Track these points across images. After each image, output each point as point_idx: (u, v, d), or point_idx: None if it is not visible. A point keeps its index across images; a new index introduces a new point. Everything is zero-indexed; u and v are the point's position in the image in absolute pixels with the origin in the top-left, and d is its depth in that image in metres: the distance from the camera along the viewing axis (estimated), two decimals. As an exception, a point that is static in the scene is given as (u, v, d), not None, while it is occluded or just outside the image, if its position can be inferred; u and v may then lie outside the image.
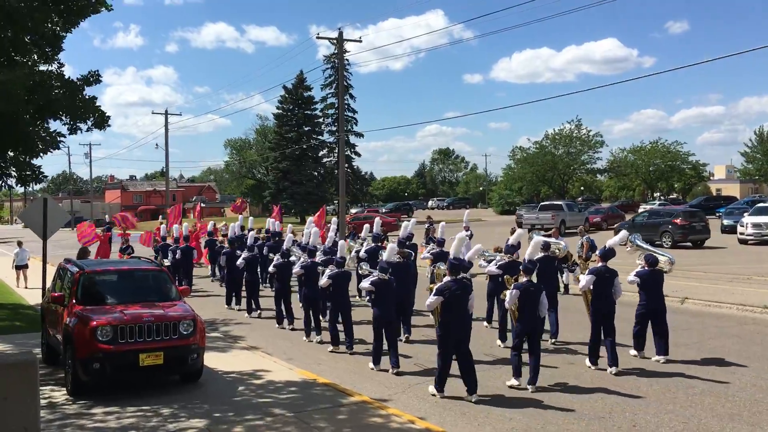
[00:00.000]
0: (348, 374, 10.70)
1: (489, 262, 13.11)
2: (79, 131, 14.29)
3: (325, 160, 71.89)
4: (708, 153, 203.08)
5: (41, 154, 14.45)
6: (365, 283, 11.44)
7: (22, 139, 13.26)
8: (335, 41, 39.17)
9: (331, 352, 12.27)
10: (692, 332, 13.14)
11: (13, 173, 14.59)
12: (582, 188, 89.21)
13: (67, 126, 14.19)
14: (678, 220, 28.84)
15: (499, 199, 76.84)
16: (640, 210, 45.67)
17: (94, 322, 9.30)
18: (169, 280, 11.09)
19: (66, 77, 13.80)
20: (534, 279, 10.51)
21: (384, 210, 64.72)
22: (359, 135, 68.81)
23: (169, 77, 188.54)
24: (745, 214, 32.28)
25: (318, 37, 39.76)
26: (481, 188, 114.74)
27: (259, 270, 17.81)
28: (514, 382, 9.83)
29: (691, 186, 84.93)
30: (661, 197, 79.24)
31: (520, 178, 77.48)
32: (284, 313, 14.77)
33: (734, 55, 61.33)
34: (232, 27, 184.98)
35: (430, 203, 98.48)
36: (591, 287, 10.94)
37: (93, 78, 13.78)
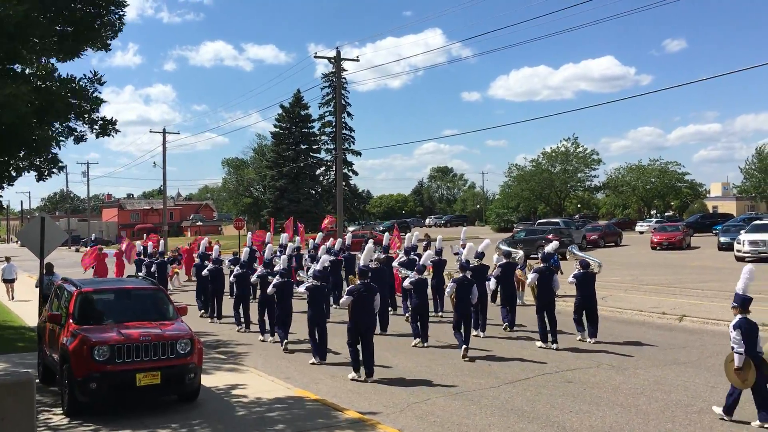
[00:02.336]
0: (346, 393, 10.66)
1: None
2: (84, 138, 13.92)
3: (322, 178, 72.18)
4: (704, 170, 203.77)
5: (50, 155, 14.13)
6: (300, 288, 13.41)
7: (28, 144, 13.11)
8: (333, 60, 39.44)
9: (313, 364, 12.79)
10: (691, 350, 13.13)
11: (35, 163, 14.14)
12: (579, 206, 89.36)
13: (73, 135, 13.90)
14: (550, 236, 32.46)
15: (495, 216, 76.94)
16: (515, 229, 49.76)
17: (91, 342, 9.26)
18: (167, 299, 11.06)
19: (66, 75, 13.54)
20: (468, 275, 13.42)
21: (381, 228, 64.71)
22: (357, 153, 69.16)
23: (168, 96, 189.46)
24: (742, 232, 32.37)
25: (316, 56, 40.05)
26: (478, 206, 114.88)
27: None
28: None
29: (688, 203, 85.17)
30: (658, 215, 79.39)
31: (516, 195, 77.64)
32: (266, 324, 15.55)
33: (731, 74, 62.12)
34: (230, 45, 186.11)
35: (427, 221, 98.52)
36: (536, 282, 14.38)
37: (95, 80, 13.57)
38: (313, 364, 12.68)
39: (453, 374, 11.65)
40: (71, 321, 10.03)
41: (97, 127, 13.62)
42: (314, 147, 71.74)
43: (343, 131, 65.23)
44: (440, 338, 14.68)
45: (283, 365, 12.87)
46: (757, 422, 8.53)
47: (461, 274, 13.35)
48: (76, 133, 13.85)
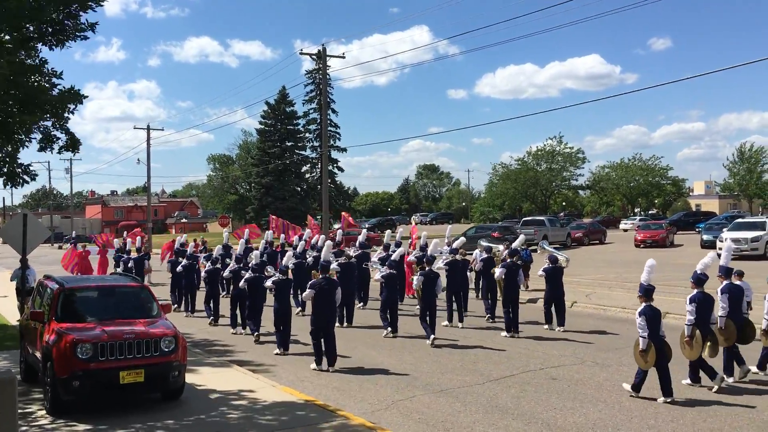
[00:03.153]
0: (331, 391, 10.65)
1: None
2: (50, 149, 13.66)
3: (307, 175, 71.90)
4: (688, 168, 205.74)
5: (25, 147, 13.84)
6: (268, 282, 13.93)
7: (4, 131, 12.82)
8: (318, 57, 39.36)
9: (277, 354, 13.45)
10: (674, 347, 13.18)
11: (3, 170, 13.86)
12: (564, 204, 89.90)
13: (39, 143, 13.65)
14: (494, 233, 35.18)
15: (480, 214, 77.22)
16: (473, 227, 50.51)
17: (74, 340, 9.19)
18: (151, 296, 10.99)
19: (48, 68, 13.24)
20: (434, 269, 14.52)
21: (367, 225, 64.69)
22: (342, 150, 68.96)
23: (152, 92, 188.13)
24: (724, 230, 32.72)
25: (301, 53, 39.92)
26: (463, 203, 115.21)
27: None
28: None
29: (671, 201, 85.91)
30: (642, 213, 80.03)
31: (502, 193, 77.95)
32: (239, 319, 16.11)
33: (714, 73, 62.76)
34: (216, 41, 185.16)
35: (413, 218, 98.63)
36: (503, 276, 15.10)
37: (71, 96, 13.33)
38: (277, 354, 13.38)
39: (438, 372, 11.68)
40: (54, 319, 9.95)
41: (62, 142, 13.37)
42: (300, 144, 71.48)
43: (329, 128, 65.01)
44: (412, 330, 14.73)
45: (268, 363, 12.83)
46: (662, 398, 9.56)
47: (427, 268, 14.36)
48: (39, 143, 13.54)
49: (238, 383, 11.02)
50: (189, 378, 10.78)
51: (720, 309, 10.43)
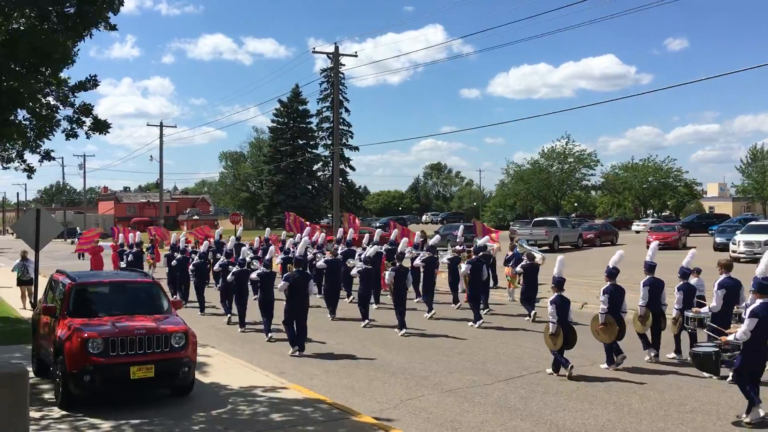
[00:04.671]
0: (340, 389, 10.67)
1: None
2: (75, 135, 13.77)
3: (319, 173, 72.09)
4: (702, 171, 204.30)
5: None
6: (253, 275, 15.06)
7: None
8: (331, 55, 39.43)
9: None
10: (684, 350, 13.12)
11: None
12: (575, 204, 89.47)
13: (64, 131, 13.77)
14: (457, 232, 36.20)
15: (492, 214, 77.01)
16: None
17: (85, 335, 9.26)
18: (162, 292, 11.05)
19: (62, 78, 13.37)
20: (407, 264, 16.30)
21: (377, 224, 64.75)
22: (354, 149, 69.12)
23: (166, 88, 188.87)
24: (738, 232, 32.48)
25: (314, 51, 39.95)
26: (474, 203, 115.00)
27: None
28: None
29: (684, 203, 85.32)
30: (654, 214, 79.53)
31: (514, 194, 77.70)
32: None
33: (730, 74, 62.06)
34: (230, 39, 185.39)
35: (423, 218, 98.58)
36: (468, 272, 16.56)
37: (90, 84, 13.46)
38: (269, 341, 14.49)
39: (447, 371, 11.67)
40: (66, 314, 10.02)
41: (88, 125, 13.51)
42: (312, 142, 71.65)
43: (341, 127, 65.17)
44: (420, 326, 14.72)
45: (276, 360, 12.88)
46: (603, 365, 11.60)
47: (398, 264, 15.61)
48: (67, 130, 13.68)
49: (248, 380, 11.06)
50: (198, 374, 10.84)
51: (640, 299, 12.09)
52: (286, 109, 70.35)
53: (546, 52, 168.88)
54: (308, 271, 14.91)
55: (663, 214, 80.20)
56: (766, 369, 9.12)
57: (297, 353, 13.11)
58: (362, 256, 17.74)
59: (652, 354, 12.15)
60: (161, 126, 58.42)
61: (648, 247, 14.69)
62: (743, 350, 8.66)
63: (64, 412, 9.27)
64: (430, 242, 19.39)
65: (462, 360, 12.57)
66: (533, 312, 16.56)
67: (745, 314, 8.76)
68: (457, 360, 12.57)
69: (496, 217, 74.02)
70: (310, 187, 70.97)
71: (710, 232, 46.78)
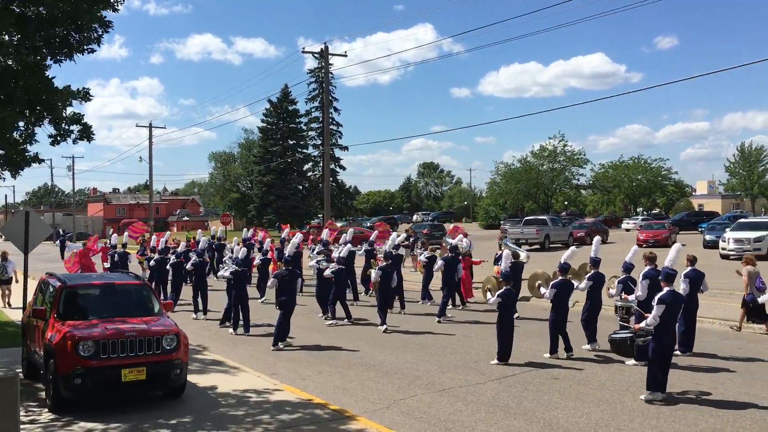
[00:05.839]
0: (333, 390, 10.64)
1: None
2: (62, 141, 13.65)
3: (309, 173, 71.94)
4: (691, 168, 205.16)
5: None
6: (225, 273, 15.90)
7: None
8: (320, 55, 39.39)
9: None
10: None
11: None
12: (566, 203, 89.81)
13: (51, 137, 13.68)
14: (425, 231, 38.71)
15: (484, 213, 77.17)
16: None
17: (76, 337, 9.19)
18: (152, 294, 10.99)
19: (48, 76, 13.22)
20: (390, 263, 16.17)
21: (368, 225, 64.74)
22: (344, 148, 69.02)
23: (154, 89, 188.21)
24: (727, 230, 32.67)
25: (304, 51, 39.84)
26: (465, 202, 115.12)
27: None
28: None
29: (674, 201, 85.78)
30: (644, 212, 79.92)
31: (505, 193, 77.91)
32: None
33: (719, 72, 62.28)
34: (219, 38, 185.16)
35: (414, 217, 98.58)
36: (443, 269, 17.18)
37: (81, 95, 13.34)
38: (233, 334, 15.47)
39: (439, 371, 11.67)
40: (56, 316, 9.95)
41: (75, 134, 13.39)
42: (302, 142, 71.51)
43: (331, 126, 65.05)
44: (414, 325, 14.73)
45: (269, 361, 12.84)
46: (587, 345, 12.70)
47: (385, 263, 15.89)
48: (53, 137, 13.54)
49: (240, 381, 11.02)
50: (190, 376, 10.79)
51: (579, 285, 13.23)
52: (275, 109, 70.17)
53: (536, 50, 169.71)
54: (297, 270, 15.41)
55: (653, 212, 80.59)
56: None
57: (280, 347, 13.79)
58: (336, 256, 17.87)
59: (595, 346, 12.88)
60: (150, 127, 58.16)
61: (638, 245, 14.86)
62: (654, 335, 9.57)
63: (54, 416, 9.20)
64: (397, 241, 19.64)
65: (454, 359, 12.57)
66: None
67: (654, 302, 9.62)
68: (450, 359, 12.57)
69: (489, 216, 74.13)
70: (301, 187, 70.79)
71: (700, 229, 47.07)
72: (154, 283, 21.68)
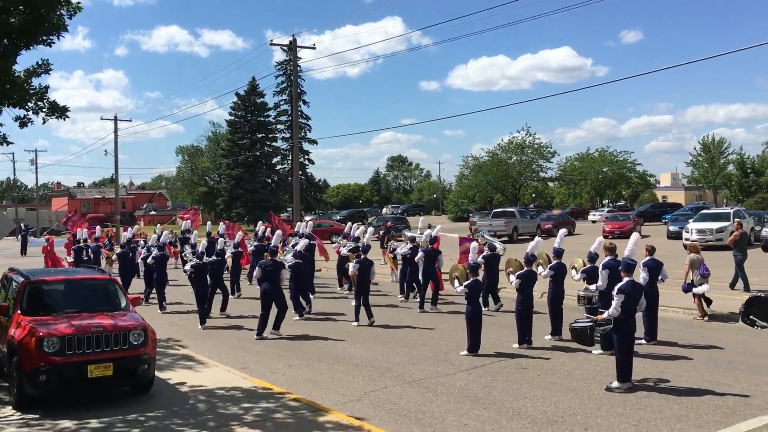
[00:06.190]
0: (303, 383, 10.62)
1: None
2: (30, 123, 13.12)
3: (278, 167, 71.44)
4: (656, 161, 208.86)
5: None
6: (187, 266, 16.40)
7: None
8: (289, 48, 39.09)
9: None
10: (638, 335, 13.41)
11: None
12: (534, 195, 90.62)
13: (17, 120, 13.12)
14: (389, 223, 37.76)
15: (453, 206, 77.49)
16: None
17: (40, 333, 9.03)
18: (119, 289, 10.84)
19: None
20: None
21: (338, 218, 64.62)
22: (313, 142, 68.76)
23: (119, 81, 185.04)
24: (690, 221, 33.33)
25: (271, 44, 39.53)
26: (434, 195, 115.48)
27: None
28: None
29: (639, 193, 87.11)
30: (610, 204, 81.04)
31: (474, 185, 78.29)
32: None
33: (683, 65, 63.26)
34: (185, 30, 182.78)
35: (384, 210, 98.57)
36: (423, 260, 17.44)
37: (42, 69, 12.89)
38: (201, 329, 15.47)
39: (409, 362, 11.72)
40: (19, 312, 9.76)
41: (44, 112, 12.94)
42: (270, 136, 70.95)
43: (299, 120, 64.68)
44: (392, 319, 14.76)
45: (239, 355, 12.77)
46: (549, 336, 13.10)
47: (363, 256, 15.70)
48: (20, 118, 13.13)
49: (209, 376, 10.95)
50: (158, 371, 10.69)
51: (542, 273, 13.71)
52: (243, 102, 69.48)
53: (504, 44, 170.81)
54: (280, 261, 15.55)
55: (618, 203, 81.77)
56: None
57: (261, 336, 14.06)
58: (294, 249, 17.83)
59: (555, 337, 13.19)
60: (116, 120, 57.24)
61: (604, 236, 15.09)
62: (615, 325, 9.76)
63: (19, 414, 9.03)
64: (357, 233, 20.06)
65: (424, 351, 12.63)
66: (499, 304, 16.79)
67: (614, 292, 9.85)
68: (420, 351, 12.63)
69: (459, 209, 74.46)
70: (270, 180, 70.26)
71: (663, 220, 47.88)
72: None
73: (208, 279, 16.37)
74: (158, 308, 18.39)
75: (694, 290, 14.54)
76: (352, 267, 15.93)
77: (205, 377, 10.86)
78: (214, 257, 17.61)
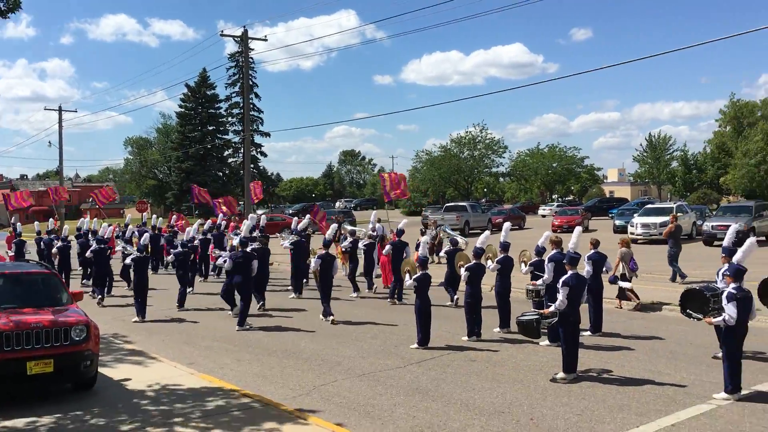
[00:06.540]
0: (252, 377, 10.52)
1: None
2: None
3: (230, 160, 70.57)
4: (604, 157, 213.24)
5: None
6: (127, 260, 16.61)
7: None
8: (240, 39, 38.58)
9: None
10: (583, 326, 13.69)
11: None
12: (485, 190, 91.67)
13: None
14: (334, 217, 39.33)
15: (407, 200, 77.80)
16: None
17: (-24, 330, 8.71)
18: (60, 283, 10.54)
19: None
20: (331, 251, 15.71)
21: (290, 211, 64.19)
22: (265, 135, 68.15)
23: (65, 71, 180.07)
24: (635, 215, 34.19)
25: (222, 35, 38.95)
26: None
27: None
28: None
29: (587, 188, 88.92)
30: (559, 199, 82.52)
31: (427, 180, 78.77)
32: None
33: (629, 63, 64.82)
34: (134, 19, 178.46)
35: (337, 204, 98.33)
36: (390, 253, 17.66)
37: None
38: (135, 322, 15.37)
39: (359, 356, 11.72)
40: (-46, 308, 9.40)
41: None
42: (222, 128, 70.03)
43: (251, 112, 64.00)
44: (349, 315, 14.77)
45: (186, 350, 12.57)
46: (498, 329, 13.30)
47: (324, 251, 15.41)
48: None
49: (156, 372, 10.74)
50: (103, 368, 10.45)
51: (489, 266, 13.75)
52: (194, 94, 68.40)
53: (457, 39, 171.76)
54: (252, 252, 15.63)
55: (567, 198, 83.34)
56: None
57: (247, 327, 14.26)
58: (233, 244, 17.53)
59: (504, 329, 13.38)
60: (60, 110, 55.67)
61: (553, 230, 15.31)
62: (560, 317, 9.97)
63: (-47, 413, 8.71)
64: (300, 226, 20.23)
65: (375, 344, 12.65)
66: (456, 297, 16.82)
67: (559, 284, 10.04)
68: (371, 344, 12.64)
69: (412, 203, 74.79)
70: (221, 174, 69.40)
71: (610, 215, 49.00)
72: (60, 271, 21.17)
73: (150, 272, 16.59)
74: (96, 302, 17.98)
75: (620, 283, 14.94)
76: (314, 263, 15.56)
77: (151, 373, 10.66)
78: (180, 249, 17.58)
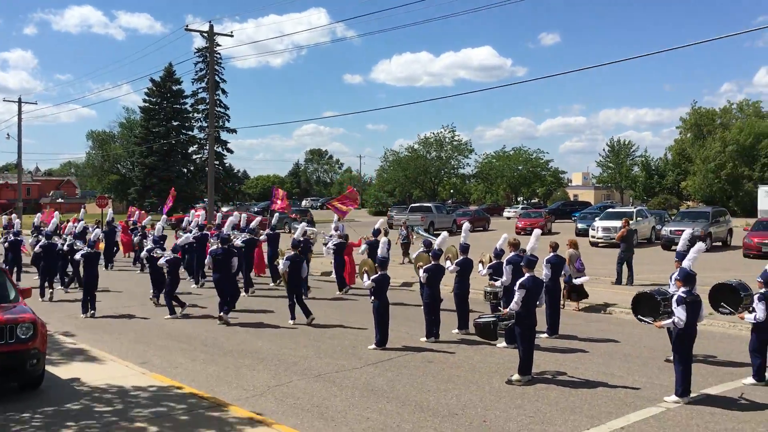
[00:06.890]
0: (206, 378, 10.35)
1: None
2: None
3: (195, 156, 69.69)
4: (569, 160, 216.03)
5: None
6: (162, 261, 15.79)
7: None
8: (206, 34, 38.11)
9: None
10: (541, 327, 13.79)
11: None
12: (452, 191, 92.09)
13: None
14: (292, 215, 38.87)
15: (373, 200, 77.80)
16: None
17: None
18: (7, 280, 10.24)
19: None
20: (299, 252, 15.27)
21: (255, 209, 63.64)
22: (232, 131, 67.45)
23: (27, 62, 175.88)
24: (597, 219, 34.63)
25: (187, 29, 38.28)
26: (355, 188, 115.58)
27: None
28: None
29: (552, 191, 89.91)
30: (524, 201, 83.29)
31: (393, 180, 78.87)
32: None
33: (596, 68, 65.80)
34: (100, 11, 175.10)
35: (303, 203, 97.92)
36: (367, 252, 17.24)
37: None
38: (83, 317, 15.41)
39: (316, 356, 11.63)
40: None
41: None
42: (187, 124, 69.14)
43: (218, 108, 63.32)
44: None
45: (140, 349, 12.33)
46: (456, 330, 13.33)
47: (293, 252, 15.03)
48: None
49: (107, 371, 10.52)
50: (52, 367, 10.19)
51: (449, 267, 13.73)
52: (159, 88, 67.36)
53: (427, 40, 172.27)
54: (232, 249, 15.68)
55: (532, 201, 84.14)
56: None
57: (229, 321, 14.42)
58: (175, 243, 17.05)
59: (462, 330, 13.39)
60: (20, 102, 54.45)
61: (517, 232, 15.37)
62: (516, 319, 10.00)
63: None
64: (251, 225, 20.33)
65: (332, 344, 12.57)
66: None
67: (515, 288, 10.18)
68: (328, 344, 12.56)
69: (379, 203, 74.79)
70: (185, 170, 68.47)
71: (573, 218, 49.60)
72: (9, 267, 20.64)
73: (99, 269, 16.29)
74: (39, 297, 17.58)
75: (575, 281, 15.12)
76: (282, 264, 15.16)
77: (102, 372, 10.42)
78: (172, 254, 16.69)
